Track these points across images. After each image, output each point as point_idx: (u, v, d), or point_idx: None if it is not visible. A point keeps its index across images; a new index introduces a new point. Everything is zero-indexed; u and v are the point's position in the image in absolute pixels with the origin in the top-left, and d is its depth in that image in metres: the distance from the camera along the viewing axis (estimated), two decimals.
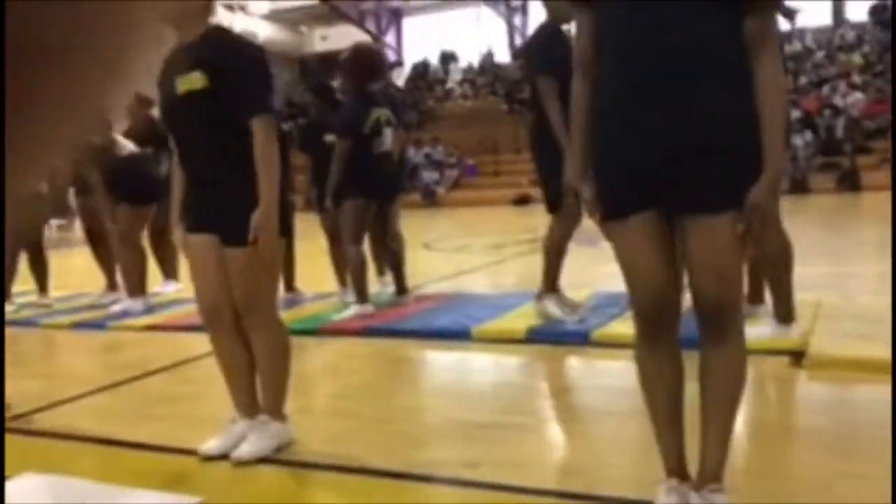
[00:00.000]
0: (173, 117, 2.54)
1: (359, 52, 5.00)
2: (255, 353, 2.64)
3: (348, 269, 4.90)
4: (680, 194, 1.79)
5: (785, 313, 3.61)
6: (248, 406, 2.66)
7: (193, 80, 2.41)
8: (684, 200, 1.80)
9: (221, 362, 2.68)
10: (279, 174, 2.49)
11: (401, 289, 5.13)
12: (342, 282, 5.34)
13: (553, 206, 4.06)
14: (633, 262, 1.89)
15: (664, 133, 1.76)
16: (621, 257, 1.92)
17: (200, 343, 4.38)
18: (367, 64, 4.86)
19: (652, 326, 1.91)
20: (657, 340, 1.92)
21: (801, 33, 19.85)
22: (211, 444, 2.58)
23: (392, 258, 5.10)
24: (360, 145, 4.67)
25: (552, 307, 4.13)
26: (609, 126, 1.84)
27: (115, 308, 5.42)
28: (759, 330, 3.56)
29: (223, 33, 2.55)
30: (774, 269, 3.59)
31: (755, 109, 1.76)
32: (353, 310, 4.74)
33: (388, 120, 4.78)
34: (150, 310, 5.41)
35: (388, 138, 4.78)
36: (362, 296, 4.77)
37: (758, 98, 1.75)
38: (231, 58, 2.46)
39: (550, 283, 4.17)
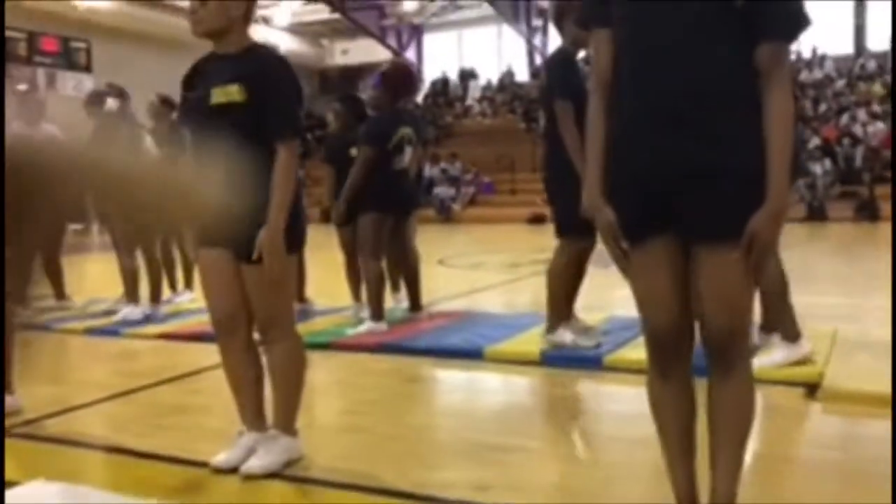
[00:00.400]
0: (201, 124, 2.56)
1: (398, 68, 5.09)
2: (270, 367, 2.65)
3: (365, 284, 4.91)
4: (692, 220, 1.79)
5: (791, 332, 3.62)
6: (256, 419, 2.67)
7: (231, 93, 2.44)
8: (696, 226, 1.79)
9: (230, 375, 2.68)
10: (292, 196, 2.50)
11: (415, 305, 5.13)
12: (356, 297, 5.34)
13: (562, 229, 4.04)
14: (647, 288, 1.88)
15: (678, 157, 1.76)
16: (635, 284, 1.91)
17: (212, 354, 4.39)
18: (404, 81, 4.94)
19: (664, 355, 1.90)
20: (669, 369, 1.91)
21: (822, 60, 19.80)
22: (220, 458, 2.58)
23: (408, 274, 5.11)
24: (382, 160, 4.70)
25: (565, 335, 4.05)
26: (624, 149, 1.84)
27: (117, 316, 5.44)
28: (769, 358, 3.55)
29: (264, 51, 2.59)
30: (773, 297, 3.60)
31: (761, 138, 1.75)
32: (367, 326, 4.74)
33: (410, 138, 4.84)
34: (162, 318, 5.43)
35: (408, 156, 4.83)
36: (378, 313, 4.76)
37: (766, 126, 1.75)
38: (271, 77, 2.49)
39: (558, 313, 4.07)
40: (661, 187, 1.78)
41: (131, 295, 5.47)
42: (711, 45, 1.75)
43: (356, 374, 4.05)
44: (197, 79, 2.58)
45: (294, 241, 2.58)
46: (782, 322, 3.62)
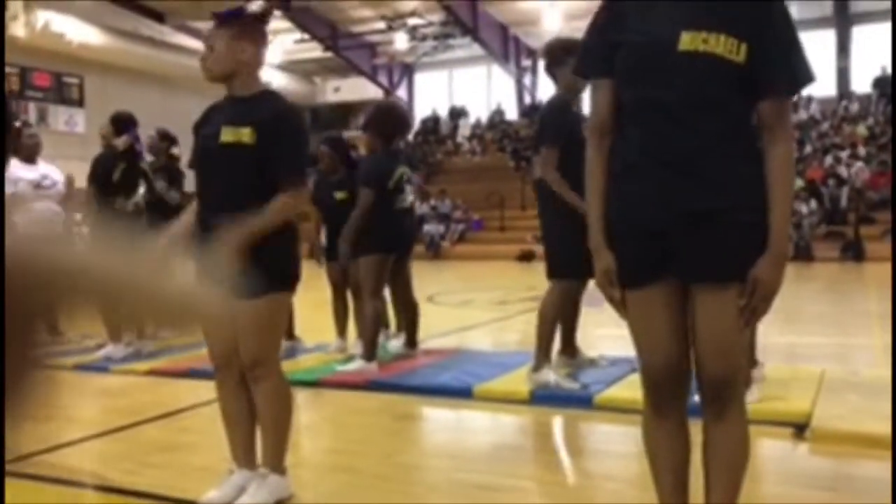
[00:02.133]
0: (208, 162, 2.59)
1: (389, 108, 5.16)
2: (257, 405, 2.64)
3: (361, 323, 4.89)
4: (691, 263, 1.82)
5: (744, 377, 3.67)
6: (246, 456, 2.66)
7: (241, 134, 2.49)
8: (695, 269, 1.82)
9: (224, 410, 2.68)
10: (273, 226, 2.51)
11: (412, 342, 5.14)
12: (341, 332, 5.35)
13: (552, 271, 4.07)
14: (644, 331, 1.90)
15: (680, 203, 1.80)
16: (633, 326, 1.93)
17: (201, 390, 4.37)
18: (397, 121, 4.99)
19: (660, 395, 1.92)
20: (665, 411, 1.93)
21: (808, 102, 20.12)
22: (210, 495, 2.57)
23: (410, 312, 5.12)
24: (383, 200, 4.70)
25: (549, 375, 4.05)
26: (626, 194, 1.88)
27: (99, 353, 5.39)
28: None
29: (276, 97, 2.65)
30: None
31: (761, 183, 1.80)
32: (358, 364, 4.71)
33: (409, 178, 4.89)
34: (148, 354, 5.40)
35: (410, 195, 4.87)
36: (371, 352, 4.71)
37: (769, 177, 1.80)
38: (281, 124, 2.54)
39: (545, 353, 4.08)
40: (662, 232, 1.82)
41: (114, 333, 5.42)
42: (715, 98, 1.80)
43: (345, 413, 4.04)
44: (208, 121, 2.63)
45: (286, 280, 2.59)
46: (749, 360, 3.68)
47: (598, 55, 1.93)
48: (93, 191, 5.56)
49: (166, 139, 5.91)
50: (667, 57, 1.80)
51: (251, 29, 2.59)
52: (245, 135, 2.48)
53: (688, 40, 1.78)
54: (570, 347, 4.53)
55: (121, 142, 5.56)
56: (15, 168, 5.65)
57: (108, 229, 5.12)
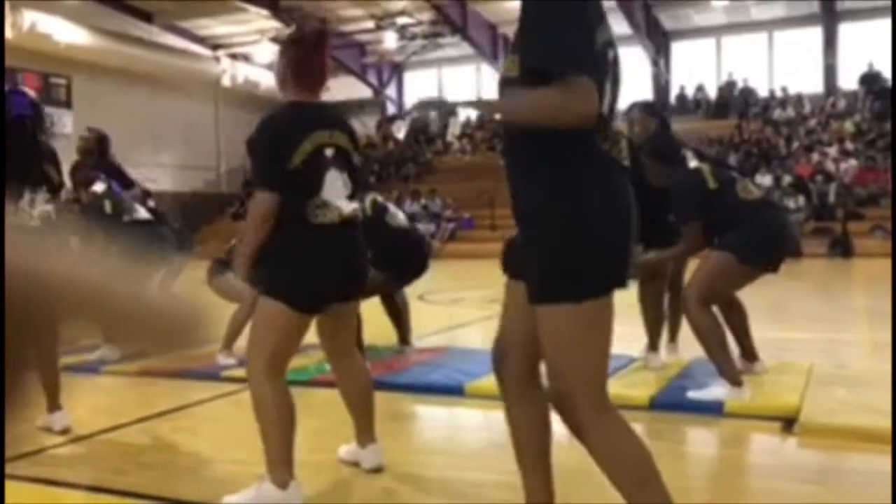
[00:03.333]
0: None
1: None
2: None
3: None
4: (526, 282, 1.91)
5: (729, 376, 3.72)
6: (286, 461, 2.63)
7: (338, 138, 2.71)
8: (526, 287, 1.90)
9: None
10: (250, 240, 2.61)
11: (405, 339, 5.17)
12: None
13: None
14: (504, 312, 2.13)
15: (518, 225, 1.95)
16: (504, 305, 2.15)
17: (192, 391, 4.37)
18: None
19: (496, 374, 2.14)
20: (506, 391, 2.13)
21: (798, 99, 20.21)
22: (231, 499, 2.56)
23: (399, 308, 5.14)
24: (370, 227, 4.76)
25: None
26: None
27: (92, 356, 5.36)
28: (708, 390, 3.64)
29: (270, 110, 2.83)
30: (708, 336, 3.77)
31: (562, 209, 1.79)
32: None
33: (384, 200, 5.07)
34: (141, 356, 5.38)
35: (399, 214, 5.04)
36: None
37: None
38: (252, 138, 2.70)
39: None
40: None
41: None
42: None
43: (337, 411, 4.03)
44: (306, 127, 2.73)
45: (278, 290, 2.59)
46: (727, 368, 3.72)
47: (585, 53, 1.76)
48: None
49: (100, 143, 5.89)
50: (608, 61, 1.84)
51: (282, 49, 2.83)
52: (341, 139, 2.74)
53: (506, 66, 1.90)
54: None
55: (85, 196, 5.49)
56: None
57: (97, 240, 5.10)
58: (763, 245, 3.79)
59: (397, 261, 4.79)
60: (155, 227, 5.58)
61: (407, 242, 4.91)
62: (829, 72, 20.65)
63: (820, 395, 3.68)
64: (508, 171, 1.91)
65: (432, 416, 4.07)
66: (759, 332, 4.58)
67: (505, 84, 1.87)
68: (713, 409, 3.54)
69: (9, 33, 16.31)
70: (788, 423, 3.38)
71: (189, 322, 0.74)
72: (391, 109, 25.04)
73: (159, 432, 3.64)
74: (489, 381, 4.20)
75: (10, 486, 2.88)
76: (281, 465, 2.58)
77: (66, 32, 17.60)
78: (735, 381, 3.67)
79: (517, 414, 2.14)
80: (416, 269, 4.99)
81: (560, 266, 1.78)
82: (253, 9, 18.97)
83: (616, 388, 3.72)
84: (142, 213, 5.56)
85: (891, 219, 14.40)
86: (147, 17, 20.40)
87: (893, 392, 3.31)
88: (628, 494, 1.87)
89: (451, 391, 4.14)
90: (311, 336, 5.63)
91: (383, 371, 4.63)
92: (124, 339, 0.78)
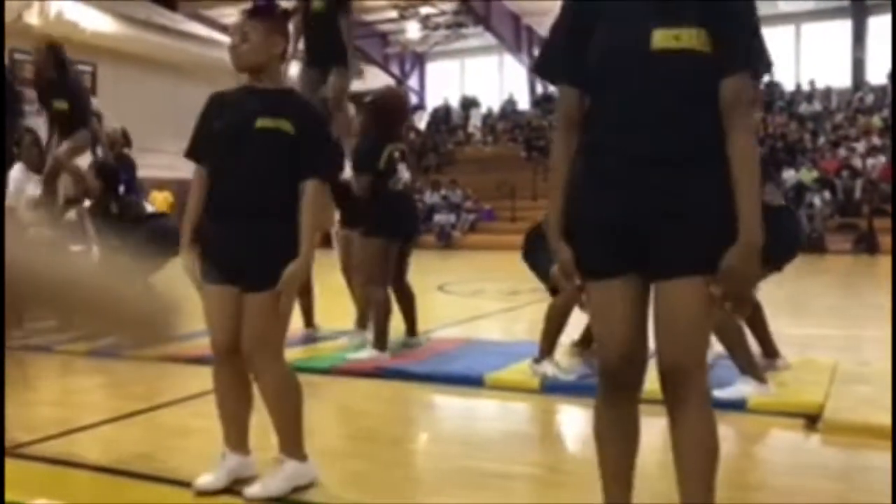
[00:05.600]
0: (238, 147, 2.57)
1: (387, 96, 5.15)
2: (263, 397, 2.66)
3: (373, 313, 4.84)
4: (658, 258, 1.83)
5: (754, 372, 3.69)
6: (238, 442, 2.69)
7: (281, 124, 2.56)
8: (662, 263, 1.83)
9: (218, 394, 2.72)
10: (319, 231, 2.59)
11: (412, 330, 5.13)
12: (362, 323, 5.29)
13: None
14: (604, 320, 1.92)
15: (650, 198, 1.80)
16: (594, 315, 1.97)
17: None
18: (392, 108, 4.99)
19: (616, 388, 1.94)
20: (616, 400, 1.95)
21: (827, 93, 19.95)
22: (204, 480, 2.60)
23: (407, 300, 5.11)
24: (379, 183, 4.70)
25: (549, 367, 4.08)
26: (593, 189, 1.88)
27: (104, 341, 5.40)
28: (736, 388, 3.60)
29: (300, 95, 2.79)
30: (726, 335, 3.68)
31: (730, 178, 1.79)
32: (369, 353, 4.72)
33: (402, 154, 4.85)
34: None
35: (404, 174, 4.83)
36: (382, 341, 4.71)
37: (732, 167, 1.79)
38: (315, 120, 2.68)
39: (548, 346, 4.12)
40: (629, 227, 1.83)
41: None
42: (687, 94, 1.80)
43: (356, 400, 4.06)
44: (225, 111, 2.64)
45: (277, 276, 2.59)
46: (749, 366, 3.69)
47: (563, 60, 1.94)
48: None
49: (123, 137, 5.98)
50: (639, 56, 1.80)
51: (283, 24, 2.66)
52: (285, 125, 2.55)
53: (660, 38, 1.78)
54: (587, 339, 4.53)
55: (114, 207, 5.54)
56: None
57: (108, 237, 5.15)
58: (779, 250, 3.77)
59: (388, 225, 4.72)
60: (163, 220, 5.65)
61: (402, 206, 4.84)
62: (858, 66, 20.36)
63: (844, 393, 3.64)
64: (668, 161, 1.81)
65: (451, 406, 4.08)
66: (783, 328, 4.54)
67: (678, 57, 1.78)
68: (736, 406, 3.52)
69: (36, 20, 16.45)
70: (812, 420, 3.35)
71: (161, 316, 0.74)
72: (413, 100, 25.02)
73: (182, 417, 3.68)
74: (509, 373, 4.23)
75: (34, 467, 2.92)
76: (300, 444, 2.66)
77: (92, 20, 17.72)
78: (760, 378, 3.64)
79: (625, 417, 1.97)
80: (407, 233, 4.90)
81: (720, 233, 1.78)
82: None
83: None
84: (149, 208, 5.67)
85: None
86: (171, 5, 20.50)
87: (893, 389, 3.28)
88: (694, 481, 1.88)
89: (471, 382, 4.14)
90: (343, 321, 5.65)
91: (403, 361, 4.64)
92: (90, 329, 0.79)
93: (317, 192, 2.57)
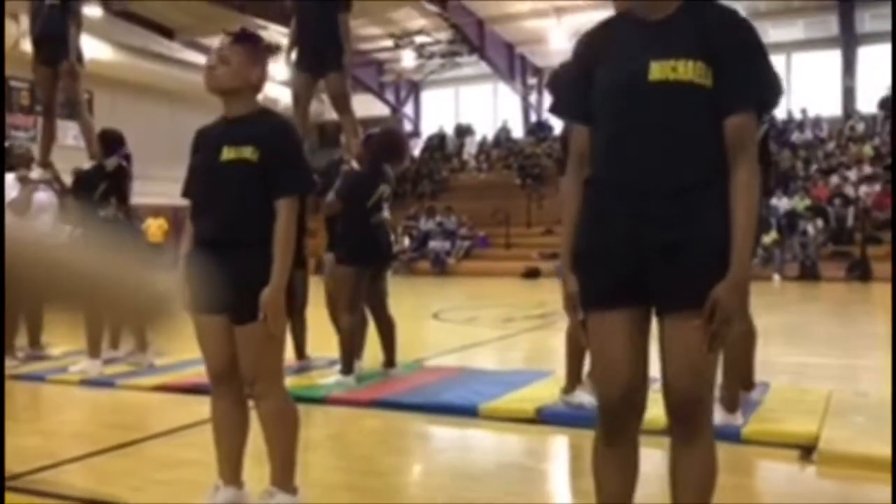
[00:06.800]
0: (209, 180, 2.60)
1: (385, 135, 5.16)
2: (261, 424, 2.65)
3: (339, 337, 4.88)
4: (661, 291, 1.84)
5: (730, 400, 3.63)
6: (233, 474, 2.67)
7: (243, 152, 2.52)
8: (664, 296, 1.84)
9: (216, 425, 2.70)
10: (292, 254, 2.55)
11: (390, 361, 5.09)
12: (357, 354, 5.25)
13: None
14: (604, 354, 1.93)
15: (653, 231, 1.81)
16: (593, 349, 1.97)
17: (206, 406, 4.36)
18: (388, 147, 5.03)
19: (615, 424, 1.94)
20: (616, 438, 1.94)
21: (817, 122, 20.12)
22: None
23: (387, 329, 5.07)
24: (361, 216, 4.78)
25: (584, 396, 3.99)
26: (598, 221, 1.90)
27: (74, 368, 5.37)
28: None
29: (272, 115, 2.69)
30: (731, 350, 3.60)
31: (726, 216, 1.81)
32: (336, 379, 4.74)
33: (389, 196, 4.97)
34: (160, 369, 5.40)
35: (386, 211, 4.96)
36: (348, 366, 4.76)
37: (731, 202, 1.81)
38: (279, 139, 2.59)
39: (576, 374, 4.06)
40: (633, 260, 1.84)
41: (94, 348, 5.38)
42: (688, 126, 1.82)
43: (350, 430, 4.03)
44: (202, 145, 2.66)
45: (287, 302, 2.58)
46: (728, 383, 3.65)
47: (572, 100, 2.01)
48: (76, 204, 5.59)
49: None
50: (638, 88, 1.82)
51: (264, 56, 2.64)
52: (247, 152, 2.52)
53: (657, 70, 1.80)
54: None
55: (110, 163, 5.54)
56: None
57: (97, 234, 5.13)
58: None
59: (359, 254, 4.76)
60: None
61: (374, 237, 4.85)
62: (848, 95, 20.54)
63: (839, 423, 3.63)
64: (675, 187, 1.82)
65: (445, 437, 4.05)
66: (777, 357, 4.53)
67: (676, 88, 1.80)
68: (730, 435, 3.50)
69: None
70: (807, 451, 3.33)
71: (161, 302, 0.74)
72: (408, 127, 25.15)
73: (175, 448, 3.65)
74: (503, 402, 4.20)
75: (23, 500, 2.88)
76: (292, 476, 2.64)
77: (88, 47, 17.80)
78: (732, 408, 3.62)
79: (624, 455, 1.96)
80: (377, 263, 4.92)
81: (720, 266, 1.80)
82: (272, 26, 19.15)
83: None
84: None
85: None
86: (168, 34, 20.65)
87: (893, 418, 3.27)
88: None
89: (465, 412, 4.12)
90: (328, 352, 5.63)
91: (397, 390, 4.62)
92: (104, 310, 0.79)
93: (289, 211, 2.54)
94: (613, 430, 1.94)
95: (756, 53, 1.85)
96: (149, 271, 0.72)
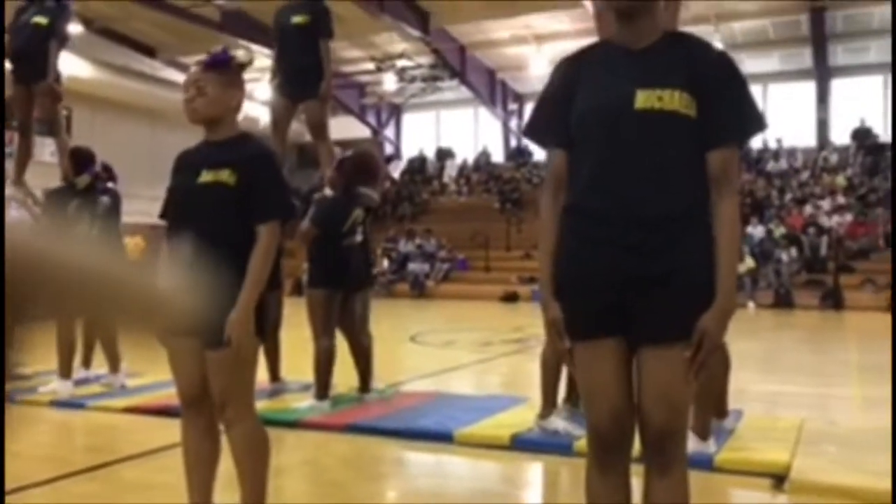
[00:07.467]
0: (186, 202, 2.60)
1: (358, 158, 5.15)
2: (231, 449, 2.62)
3: (314, 361, 4.85)
4: (641, 321, 1.85)
5: (702, 428, 3.64)
6: (204, 500, 2.64)
7: (220, 175, 2.52)
8: (644, 327, 1.85)
9: (186, 451, 2.67)
10: (265, 279, 2.54)
11: (364, 386, 5.06)
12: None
13: None
14: (592, 383, 1.93)
15: (634, 262, 1.83)
16: (581, 378, 1.97)
17: (178, 429, 4.31)
18: (361, 170, 5.03)
19: (604, 450, 1.94)
20: (608, 466, 1.94)
21: (792, 152, 20.45)
22: None
23: (361, 354, 5.05)
24: (334, 240, 4.80)
25: (559, 422, 4.01)
26: (580, 250, 1.90)
27: (45, 388, 5.30)
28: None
29: (251, 140, 2.69)
30: (703, 378, 3.61)
31: (712, 245, 1.84)
32: (309, 403, 4.71)
33: (363, 220, 4.98)
34: (132, 391, 5.34)
35: (359, 237, 4.96)
36: (323, 391, 4.74)
37: (716, 233, 1.83)
38: (258, 165, 2.58)
39: (551, 400, 4.06)
40: (615, 289, 1.85)
41: (65, 368, 5.31)
42: (672, 156, 1.84)
43: (323, 455, 4.00)
44: (182, 168, 2.66)
45: (255, 327, 2.57)
46: (700, 411, 3.66)
47: (550, 125, 1.99)
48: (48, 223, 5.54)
49: (106, 172, 5.96)
50: (623, 116, 1.83)
51: (239, 77, 2.65)
52: (225, 175, 2.51)
53: (643, 98, 1.82)
54: (574, 395, 4.50)
55: (81, 180, 5.51)
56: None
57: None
58: None
59: (329, 277, 4.77)
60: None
61: (347, 260, 4.86)
62: (822, 126, 20.90)
63: (811, 452, 3.66)
64: (659, 219, 1.84)
65: (420, 463, 4.04)
66: (750, 385, 4.57)
67: (661, 117, 1.82)
68: (703, 463, 3.52)
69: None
70: (779, 479, 3.36)
71: (162, 305, 0.75)
72: (389, 150, 25.22)
73: (146, 472, 3.60)
74: (479, 428, 4.20)
75: None
76: (264, 502, 2.61)
77: (68, 64, 17.71)
78: (704, 436, 3.64)
79: (618, 482, 1.95)
80: (348, 286, 4.91)
81: (704, 301, 1.82)
82: (255, 47, 19.20)
83: None
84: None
85: (883, 273, 14.48)
86: (150, 52, 20.61)
87: (893, 447, 3.30)
88: None
89: (441, 438, 4.10)
90: (303, 375, 5.59)
91: (372, 415, 4.60)
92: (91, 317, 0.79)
93: (269, 237, 2.53)
94: (605, 456, 1.94)
95: (741, 88, 1.89)
96: (147, 275, 0.73)
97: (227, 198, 2.51)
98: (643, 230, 1.82)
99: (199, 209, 2.55)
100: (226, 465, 2.68)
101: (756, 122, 1.93)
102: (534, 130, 2.09)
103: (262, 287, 2.53)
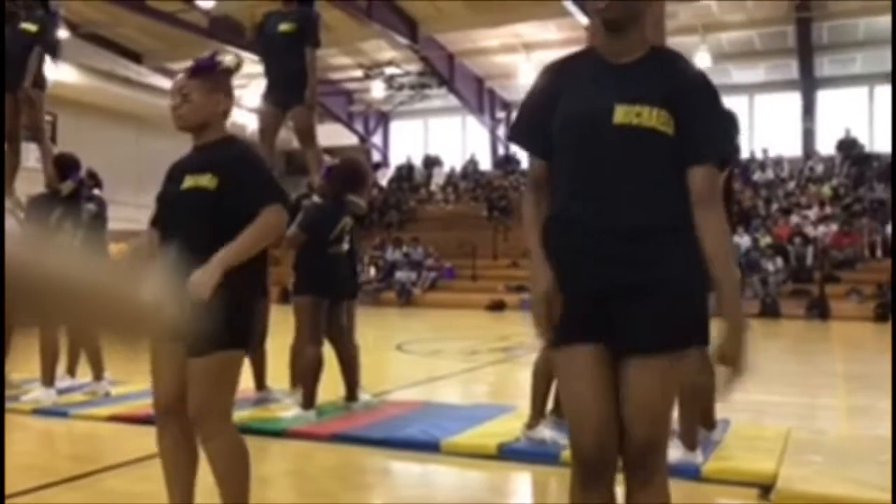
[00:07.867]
0: (170, 210, 2.59)
1: (346, 165, 5.15)
2: (210, 462, 2.58)
3: (299, 369, 4.83)
4: (624, 331, 1.85)
5: (689, 437, 3.64)
6: None
7: (200, 180, 2.50)
8: (627, 337, 1.85)
9: (163, 459, 2.64)
10: (251, 250, 2.48)
11: (351, 395, 5.03)
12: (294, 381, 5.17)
13: None
14: (574, 391, 1.92)
15: (615, 274, 1.84)
16: (563, 388, 1.97)
17: None
18: (350, 178, 5.02)
19: (588, 475, 1.92)
20: (592, 485, 1.92)
21: (778, 162, 20.59)
22: None
23: (344, 360, 5.02)
24: (321, 247, 4.77)
25: (546, 432, 3.99)
26: (558, 258, 1.90)
27: (27, 397, 5.24)
28: (670, 452, 3.57)
29: (234, 141, 2.66)
30: (689, 387, 3.60)
31: (697, 256, 1.83)
32: (295, 413, 4.68)
33: (350, 228, 4.96)
34: (116, 399, 5.29)
35: (345, 245, 4.94)
36: (309, 400, 4.70)
37: (707, 251, 1.82)
38: (240, 164, 2.56)
39: (539, 409, 4.04)
40: (597, 298, 1.85)
41: (47, 376, 5.27)
42: (651, 170, 1.85)
43: (309, 464, 3.97)
44: (173, 173, 2.64)
45: (238, 337, 2.54)
46: (686, 422, 3.67)
47: (531, 132, 2.00)
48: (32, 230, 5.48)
49: (92, 178, 5.93)
50: (601, 129, 1.84)
51: (226, 82, 2.63)
52: (205, 179, 2.49)
53: (621, 114, 1.83)
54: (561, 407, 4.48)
55: (65, 186, 5.47)
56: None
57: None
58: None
59: (315, 284, 4.75)
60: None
61: (333, 267, 4.84)
62: (808, 136, 21.06)
63: (797, 462, 3.67)
64: (639, 230, 1.84)
65: (406, 472, 4.01)
66: (738, 393, 4.56)
67: (639, 133, 1.82)
68: (690, 473, 3.52)
69: None
70: (765, 489, 3.36)
71: (153, 315, 0.73)
72: (377, 157, 25.21)
73: (129, 481, 3.56)
74: (467, 438, 4.18)
75: None
76: None
77: (53, 70, 17.65)
78: (691, 446, 3.64)
79: (601, 498, 1.92)
80: (334, 293, 4.89)
81: (685, 311, 1.85)
82: (243, 53, 19.15)
83: None
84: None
85: (868, 283, 14.59)
86: (136, 58, 20.53)
87: (893, 459, 3.31)
88: None
89: (427, 447, 4.08)
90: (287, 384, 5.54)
91: (358, 424, 4.57)
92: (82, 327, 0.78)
93: (269, 215, 2.47)
94: (589, 476, 1.92)
95: (719, 110, 1.95)
96: (131, 284, 0.71)
97: (204, 203, 2.48)
98: (622, 241, 1.83)
99: (180, 216, 2.54)
100: (208, 477, 2.64)
101: (731, 143, 1.99)
102: (517, 135, 2.10)
103: (242, 257, 2.44)
